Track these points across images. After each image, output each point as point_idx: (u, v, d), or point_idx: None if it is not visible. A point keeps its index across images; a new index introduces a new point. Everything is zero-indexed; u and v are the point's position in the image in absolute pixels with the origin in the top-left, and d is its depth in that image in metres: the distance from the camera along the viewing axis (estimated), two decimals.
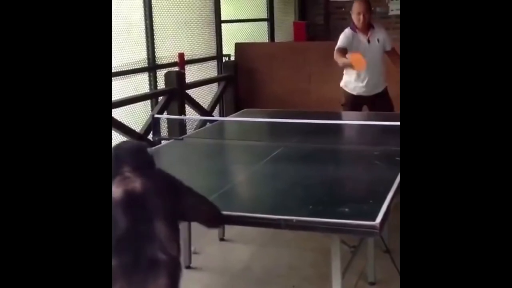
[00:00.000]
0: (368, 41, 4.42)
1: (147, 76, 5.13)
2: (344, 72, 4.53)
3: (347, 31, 4.44)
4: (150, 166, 2.06)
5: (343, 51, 4.30)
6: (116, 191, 1.95)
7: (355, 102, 4.53)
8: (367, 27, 4.42)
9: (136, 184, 1.95)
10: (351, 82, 4.52)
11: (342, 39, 4.40)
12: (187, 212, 2.09)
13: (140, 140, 4.69)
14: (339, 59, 4.25)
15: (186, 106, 5.42)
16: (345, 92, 4.58)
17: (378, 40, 4.43)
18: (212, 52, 6.18)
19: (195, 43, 5.82)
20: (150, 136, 4.61)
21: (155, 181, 1.99)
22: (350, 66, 4.17)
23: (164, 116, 5.02)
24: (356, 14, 4.39)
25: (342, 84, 4.60)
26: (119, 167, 2.01)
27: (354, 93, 4.53)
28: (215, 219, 2.18)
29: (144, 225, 1.91)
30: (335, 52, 4.36)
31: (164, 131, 4.98)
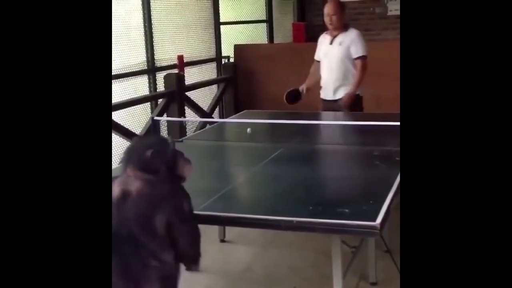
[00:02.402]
0: (331, 42, 4.33)
1: (146, 78, 5.14)
2: None
3: (322, 34, 4.49)
4: (157, 169, 1.95)
5: (315, 63, 4.47)
6: (115, 190, 1.93)
7: (323, 107, 4.42)
8: (338, 29, 4.30)
9: (133, 187, 1.92)
10: (322, 88, 4.47)
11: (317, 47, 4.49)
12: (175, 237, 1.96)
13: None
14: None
15: (186, 108, 5.43)
16: (321, 99, 4.50)
17: (340, 43, 4.27)
18: (212, 54, 6.19)
19: (194, 45, 5.83)
20: None
21: (153, 191, 1.91)
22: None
23: (164, 118, 5.03)
24: (325, 15, 4.31)
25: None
26: (126, 164, 1.98)
27: (322, 96, 4.45)
28: (189, 261, 2.04)
29: (130, 229, 1.89)
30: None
31: (164, 133, 4.99)
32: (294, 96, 4.34)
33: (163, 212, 1.89)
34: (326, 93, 4.39)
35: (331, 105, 4.34)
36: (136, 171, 1.95)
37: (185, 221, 1.96)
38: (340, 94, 4.31)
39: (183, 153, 2.10)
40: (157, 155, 1.96)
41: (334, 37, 4.31)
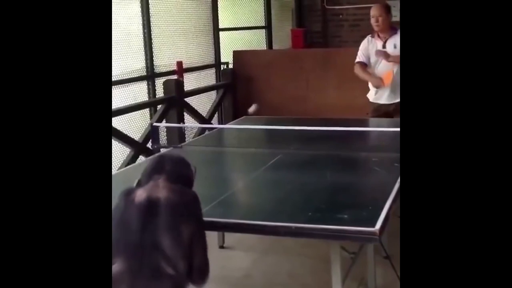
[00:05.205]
0: (384, 46, 4.31)
1: (145, 84, 5.14)
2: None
3: (366, 38, 4.42)
4: (185, 183, 2.08)
5: (363, 65, 4.36)
6: (140, 194, 1.98)
7: (379, 112, 4.38)
8: (385, 31, 4.31)
9: (161, 195, 1.97)
10: (376, 91, 4.39)
11: (360, 51, 4.40)
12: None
13: (139, 148, 4.70)
14: (360, 73, 4.35)
15: (185, 114, 5.43)
16: (371, 103, 4.46)
17: (395, 45, 4.24)
18: (210, 60, 6.19)
19: (193, 51, 5.83)
20: (149, 145, 4.62)
21: (181, 199, 1.99)
22: (374, 81, 4.27)
23: (163, 124, 5.03)
24: (371, 18, 4.34)
25: (368, 95, 4.49)
26: (156, 173, 2.04)
27: (380, 102, 4.38)
28: (200, 276, 2.05)
29: (154, 235, 1.92)
30: (355, 65, 4.39)
31: (163, 139, 4.98)
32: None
33: (190, 220, 1.97)
34: (381, 97, 4.35)
35: (386, 108, 4.33)
36: (168, 182, 2.02)
37: (203, 235, 2.03)
38: (398, 97, 4.22)
39: None
40: (193, 172, 2.16)
41: (385, 40, 4.30)
